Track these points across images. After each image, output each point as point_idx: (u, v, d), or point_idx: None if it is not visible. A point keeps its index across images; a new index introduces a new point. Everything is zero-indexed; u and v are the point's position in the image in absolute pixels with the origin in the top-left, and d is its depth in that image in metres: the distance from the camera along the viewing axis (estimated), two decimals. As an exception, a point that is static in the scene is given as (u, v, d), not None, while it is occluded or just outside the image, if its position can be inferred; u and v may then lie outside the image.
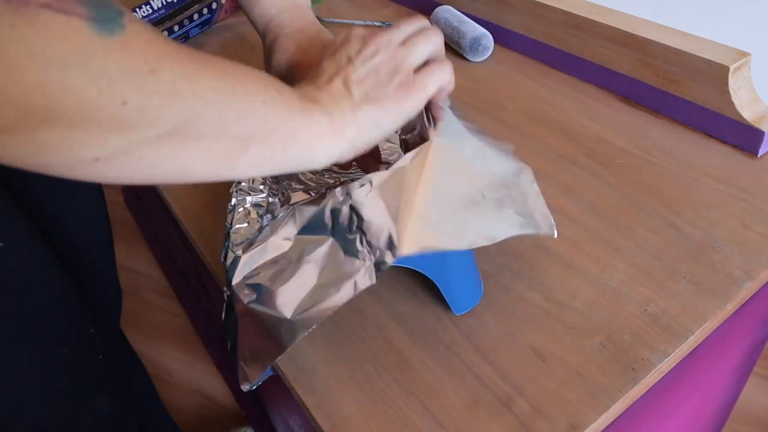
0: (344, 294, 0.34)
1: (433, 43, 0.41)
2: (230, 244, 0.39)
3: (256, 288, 0.36)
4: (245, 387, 0.36)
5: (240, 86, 0.31)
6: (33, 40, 0.22)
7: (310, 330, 0.34)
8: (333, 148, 0.36)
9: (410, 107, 0.38)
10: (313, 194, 0.46)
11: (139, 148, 0.27)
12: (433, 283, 0.39)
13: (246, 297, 0.37)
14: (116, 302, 0.82)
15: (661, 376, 0.38)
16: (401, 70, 0.39)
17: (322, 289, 0.35)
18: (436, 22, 0.72)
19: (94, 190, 0.71)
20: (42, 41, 0.22)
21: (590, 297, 0.41)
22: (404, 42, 0.40)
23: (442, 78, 0.40)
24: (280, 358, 0.39)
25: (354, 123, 0.36)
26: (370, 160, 0.46)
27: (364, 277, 0.34)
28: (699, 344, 0.40)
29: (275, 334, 0.35)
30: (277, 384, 0.42)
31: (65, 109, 0.24)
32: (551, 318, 0.40)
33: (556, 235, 0.37)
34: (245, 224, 0.40)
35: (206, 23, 0.82)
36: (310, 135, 0.34)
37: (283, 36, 0.49)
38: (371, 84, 0.38)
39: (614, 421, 0.37)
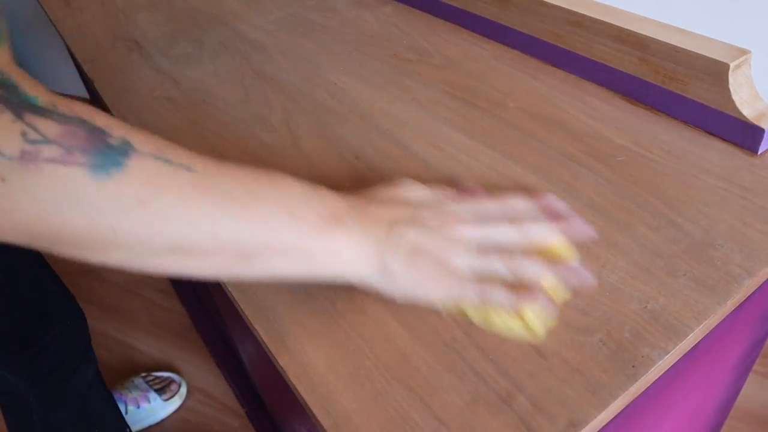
0: None
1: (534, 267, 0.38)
2: None
3: None
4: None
5: (249, 209, 0.33)
6: (38, 187, 0.27)
7: None
8: (350, 271, 0.37)
9: (427, 295, 0.38)
10: None
11: (141, 259, 0.32)
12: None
13: None
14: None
15: (661, 373, 0.38)
16: (452, 265, 0.37)
17: None
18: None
19: None
20: (44, 187, 0.27)
21: (590, 294, 0.41)
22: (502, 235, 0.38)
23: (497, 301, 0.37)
24: (280, 358, 0.40)
25: (370, 268, 0.37)
26: None
27: None
28: (699, 342, 0.40)
29: None
30: (277, 382, 0.42)
31: (64, 236, 0.29)
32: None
33: None
34: None
35: (206, 21, 0.82)
36: (318, 259, 0.36)
37: None
38: (416, 249, 0.37)
39: (614, 417, 0.37)
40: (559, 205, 0.42)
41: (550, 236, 0.40)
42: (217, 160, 0.34)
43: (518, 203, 0.42)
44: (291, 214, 0.35)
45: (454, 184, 0.45)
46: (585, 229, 0.41)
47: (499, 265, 0.38)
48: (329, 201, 0.37)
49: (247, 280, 0.35)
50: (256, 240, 0.34)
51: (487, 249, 0.38)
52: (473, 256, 0.38)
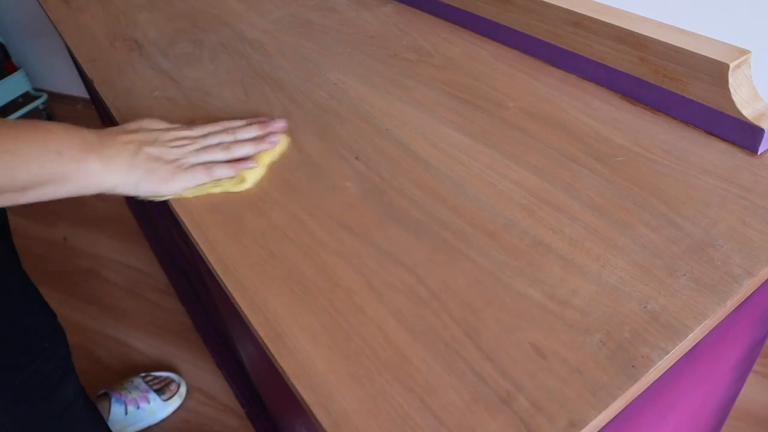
0: None
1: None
2: None
3: None
4: None
5: (21, 157, 0.45)
6: None
7: None
8: (110, 184, 0.50)
9: (169, 189, 0.52)
10: None
11: None
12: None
13: None
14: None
15: (661, 373, 0.38)
16: (182, 164, 0.53)
17: None
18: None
19: None
20: None
21: (590, 294, 0.41)
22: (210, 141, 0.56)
23: (213, 176, 0.54)
24: (280, 358, 0.40)
25: (125, 177, 0.51)
26: None
27: None
28: (699, 342, 0.40)
29: None
30: (277, 382, 0.42)
31: None
32: (551, 315, 0.40)
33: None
34: None
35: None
36: (82, 181, 0.49)
37: None
38: (156, 159, 0.52)
39: (614, 418, 0.37)
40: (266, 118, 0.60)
41: (253, 134, 0.58)
42: None
43: (235, 122, 0.58)
44: (59, 153, 0.47)
45: (190, 120, 0.60)
46: (279, 124, 0.58)
47: (219, 154, 0.55)
48: (85, 137, 0.50)
49: (29, 202, 0.47)
50: (30, 177, 0.46)
51: (209, 147, 0.55)
52: (199, 154, 0.54)
